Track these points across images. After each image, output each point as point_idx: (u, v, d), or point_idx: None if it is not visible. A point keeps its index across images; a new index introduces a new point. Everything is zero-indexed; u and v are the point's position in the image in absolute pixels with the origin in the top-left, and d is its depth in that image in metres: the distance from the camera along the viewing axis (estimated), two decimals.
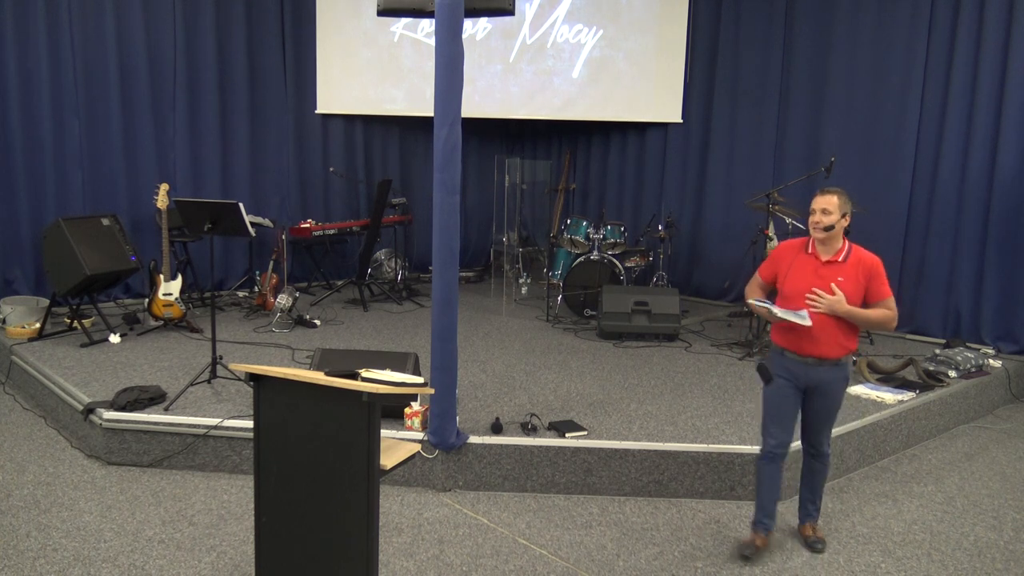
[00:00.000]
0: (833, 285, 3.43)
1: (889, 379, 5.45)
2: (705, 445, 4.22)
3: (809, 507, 3.79)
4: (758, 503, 3.71)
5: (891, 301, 3.46)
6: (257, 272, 7.72)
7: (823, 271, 3.49)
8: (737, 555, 3.63)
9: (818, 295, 3.44)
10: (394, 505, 3.99)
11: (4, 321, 6.22)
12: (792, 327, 3.49)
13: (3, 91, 6.67)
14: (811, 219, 3.49)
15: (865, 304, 3.46)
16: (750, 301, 3.63)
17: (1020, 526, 4.00)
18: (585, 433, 4.32)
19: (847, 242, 3.53)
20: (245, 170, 8.15)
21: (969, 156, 6.53)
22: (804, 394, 3.61)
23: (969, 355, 5.82)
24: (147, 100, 7.39)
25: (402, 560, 3.48)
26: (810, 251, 3.56)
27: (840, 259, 3.48)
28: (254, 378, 2.94)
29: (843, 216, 3.45)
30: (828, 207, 3.44)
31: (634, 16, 8.49)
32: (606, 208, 8.82)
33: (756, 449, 4.19)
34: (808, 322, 3.45)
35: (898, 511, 4.13)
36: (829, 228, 3.44)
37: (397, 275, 8.26)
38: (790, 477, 4.23)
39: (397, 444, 3.07)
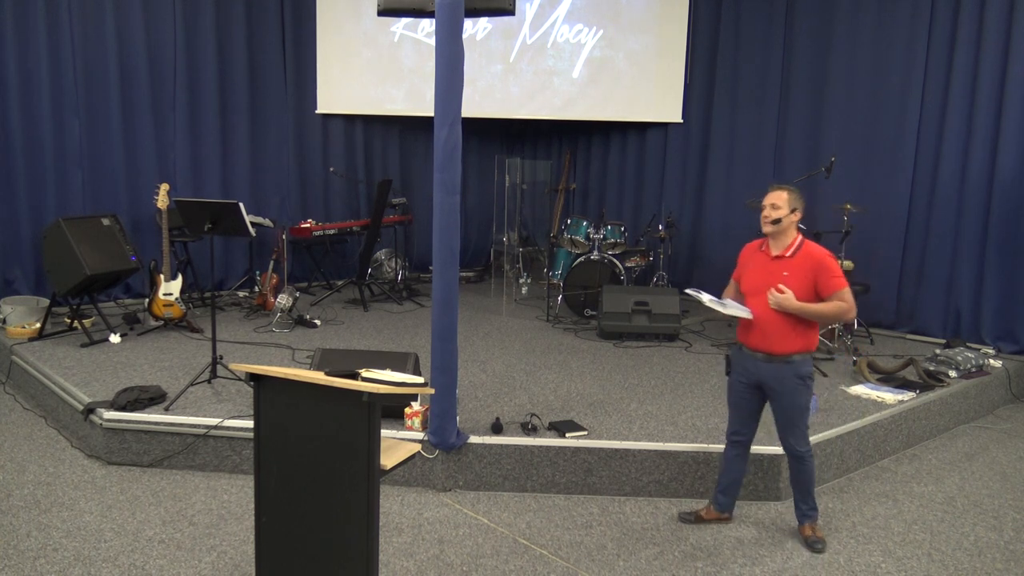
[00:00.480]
0: (781, 285, 3.49)
1: (889, 379, 5.45)
2: (705, 445, 4.22)
3: (801, 507, 3.79)
4: (718, 479, 3.94)
5: (845, 293, 3.45)
6: (257, 272, 7.72)
7: (771, 267, 3.56)
8: (679, 517, 3.95)
9: (771, 292, 3.52)
10: (394, 505, 3.99)
11: (4, 321, 6.23)
12: (745, 322, 3.60)
13: (3, 91, 6.67)
14: (762, 214, 3.57)
15: (819, 299, 3.49)
16: (687, 290, 3.76)
17: (1020, 526, 4.00)
18: (585, 433, 4.32)
19: (799, 238, 3.57)
20: (245, 170, 8.15)
21: (969, 156, 6.52)
22: (761, 391, 3.66)
23: (969, 355, 5.81)
24: (147, 100, 7.39)
25: (402, 560, 3.49)
26: (763, 248, 3.64)
27: (788, 254, 3.54)
28: (254, 378, 2.94)
29: (792, 211, 3.52)
30: (777, 202, 3.52)
31: (634, 16, 8.49)
32: (606, 208, 8.82)
33: (756, 449, 4.19)
34: (730, 311, 3.54)
35: (898, 511, 4.13)
36: (777, 221, 3.51)
37: (397, 275, 8.26)
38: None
39: (397, 444, 3.07)
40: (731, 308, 3.57)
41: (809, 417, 3.69)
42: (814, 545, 3.70)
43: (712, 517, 3.92)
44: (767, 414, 3.75)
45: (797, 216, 3.54)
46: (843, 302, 3.46)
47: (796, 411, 3.60)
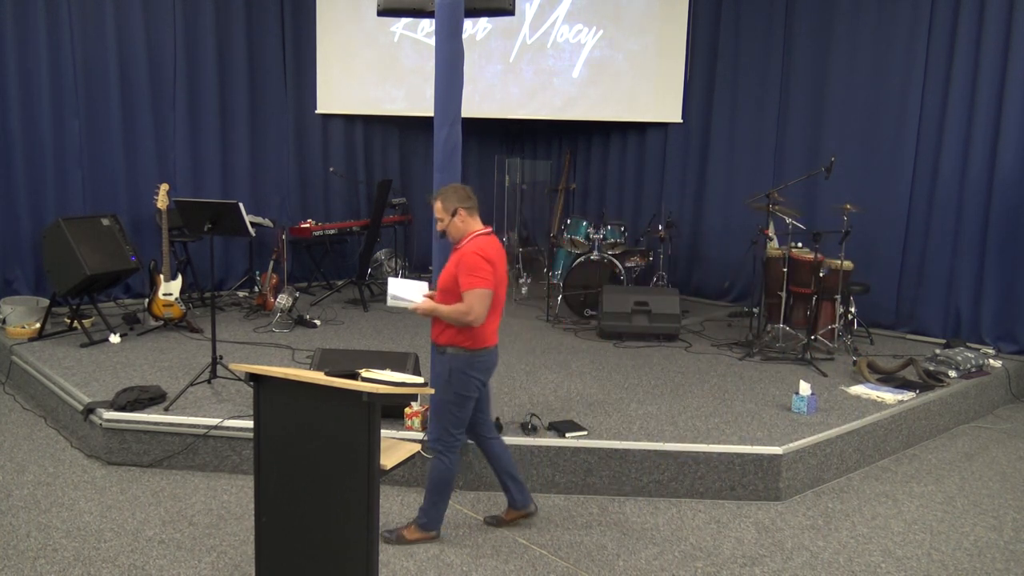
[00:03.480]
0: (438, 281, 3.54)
1: (889, 379, 5.44)
2: (705, 445, 4.22)
3: (423, 504, 3.65)
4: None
5: (469, 294, 3.34)
6: (257, 272, 7.72)
7: (449, 259, 3.57)
8: (484, 520, 3.81)
9: None
10: (394, 505, 3.99)
11: (4, 321, 6.22)
12: None
13: (3, 91, 6.67)
14: None
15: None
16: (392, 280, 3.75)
17: (1020, 526, 4.00)
18: (585, 433, 4.31)
19: (472, 234, 3.51)
20: (245, 170, 8.15)
21: (969, 156, 6.52)
22: None
23: (969, 355, 5.81)
24: (147, 100, 7.39)
25: (402, 560, 3.49)
26: None
27: (458, 249, 3.52)
28: (254, 378, 2.94)
29: (453, 214, 3.50)
30: (436, 214, 3.55)
31: (634, 16, 8.49)
32: (606, 208, 8.82)
33: (756, 449, 4.20)
34: (397, 303, 3.57)
35: (898, 511, 4.13)
36: (443, 232, 3.54)
37: (397, 275, 8.26)
38: (790, 476, 4.24)
39: (397, 444, 3.08)
40: (398, 294, 3.59)
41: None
42: (386, 536, 3.57)
43: (513, 516, 3.80)
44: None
45: (462, 214, 3.50)
46: (462, 304, 3.36)
47: (441, 404, 3.53)
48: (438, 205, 3.53)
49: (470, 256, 3.39)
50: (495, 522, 3.81)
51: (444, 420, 3.54)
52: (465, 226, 3.52)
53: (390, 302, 3.60)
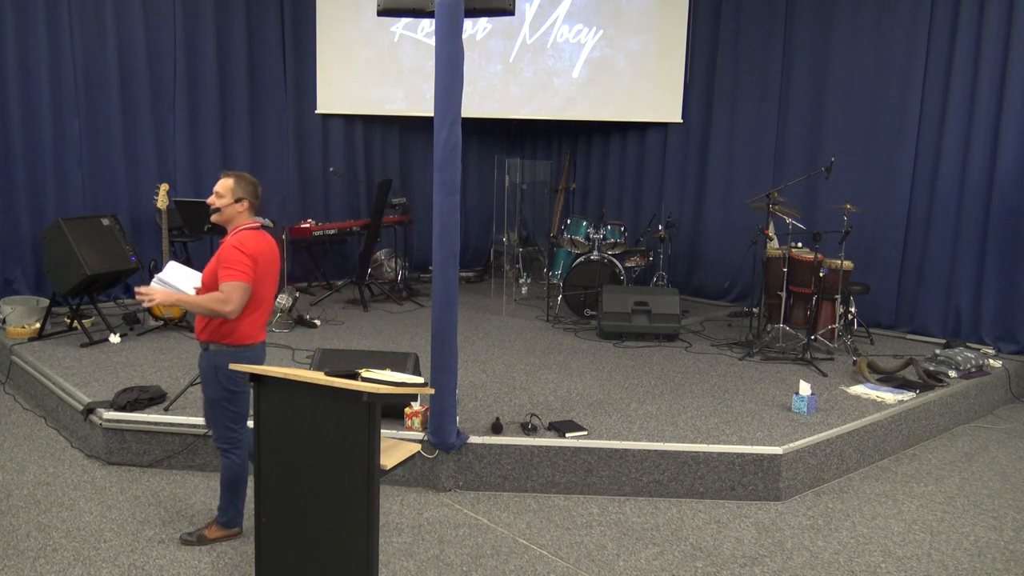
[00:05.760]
0: (203, 274, 3.47)
1: (889, 379, 5.44)
2: (705, 445, 4.22)
3: (220, 503, 3.58)
4: None
5: (226, 284, 3.29)
6: None
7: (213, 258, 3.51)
8: (181, 539, 3.58)
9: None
10: (394, 505, 3.99)
11: (4, 321, 6.23)
12: None
13: (3, 91, 6.67)
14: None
15: None
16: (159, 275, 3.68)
17: (1020, 526, 4.00)
18: (585, 433, 4.31)
19: (239, 228, 3.47)
20: (245, 170, 8.10)
21: (969, 156, 6.52)
22: None
23: (969, 355, 5.81)
24: (147, 100, 7.39)
25: (402, 560, 3.49)
26: None
27: (224, 242, 3.48)
28: (254, 378, 2.94)
29: (237, 200, 3.46)
30: (220, 190, 3.47)
31: (634, 16, 8.49)
32: (606, 208, 8.82)
33: (756, 449, 4.20)
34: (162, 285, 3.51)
35: (898, 511, 4.13)
36: (217, 210, 3.46)
37: (397, 275, 8.26)
38: (790, 476, 4.24)
39: (397, 444, 3.08)
40: (167, 282, 3.54)
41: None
42: (186, 538, 3.54)
43: (216, 535, 3.58)
44: None
45: (244, 206, 3.47)
46: (219, 292, 3.30)
47: (209, 402, 3.46)
48: (229, 183, 3.47)
49: (228, 250, 3.36)
50: (194, 538, 3.55)
51: (221, 418, 3.46)
52: (239, 217, 3.48)
53: (153, 284, 3.53)
